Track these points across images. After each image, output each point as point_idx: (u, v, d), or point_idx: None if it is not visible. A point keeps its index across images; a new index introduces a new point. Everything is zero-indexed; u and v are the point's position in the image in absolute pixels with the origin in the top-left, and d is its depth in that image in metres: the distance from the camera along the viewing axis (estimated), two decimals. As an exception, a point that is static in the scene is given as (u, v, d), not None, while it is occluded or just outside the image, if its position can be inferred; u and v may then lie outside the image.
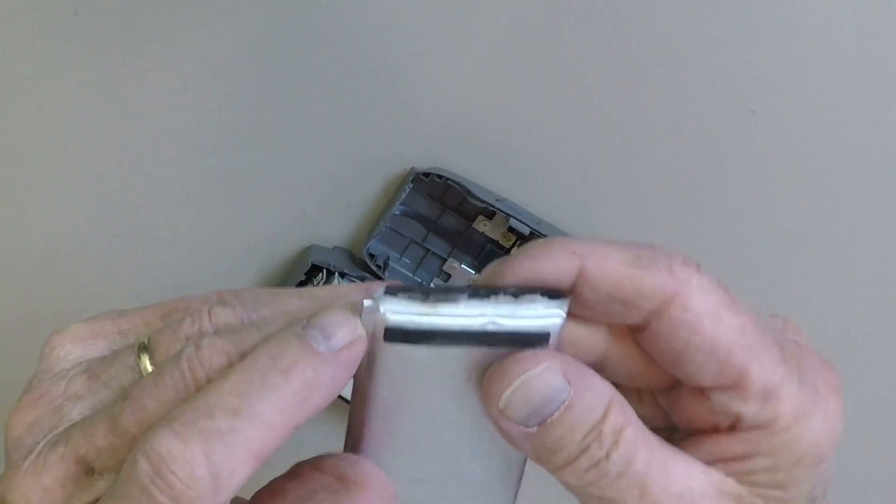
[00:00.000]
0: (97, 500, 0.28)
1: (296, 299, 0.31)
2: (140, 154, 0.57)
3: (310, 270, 0.56)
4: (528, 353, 0.28)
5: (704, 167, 0.59)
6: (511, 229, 0.57)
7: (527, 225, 0.56)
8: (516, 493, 0.33)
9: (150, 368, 0.29)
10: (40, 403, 0.30)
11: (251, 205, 0.58)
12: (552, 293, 0.28)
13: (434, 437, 0.31)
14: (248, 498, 0.30)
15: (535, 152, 0.58)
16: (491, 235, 0.58)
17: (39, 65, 0.54)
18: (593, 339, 0.30)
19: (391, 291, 0.28)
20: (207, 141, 0.57)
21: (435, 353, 0.28)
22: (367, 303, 0.28)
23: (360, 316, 0.28)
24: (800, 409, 0.29)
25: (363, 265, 0.58)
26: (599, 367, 0.31)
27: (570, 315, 0.29)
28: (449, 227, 0.59)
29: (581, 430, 0.28)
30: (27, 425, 0.29)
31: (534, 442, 0.29)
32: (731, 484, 0.30)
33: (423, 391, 0.30)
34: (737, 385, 0.29)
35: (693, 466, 0.30)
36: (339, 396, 0.29)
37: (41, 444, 0.29)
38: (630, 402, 0.32)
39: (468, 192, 0.56)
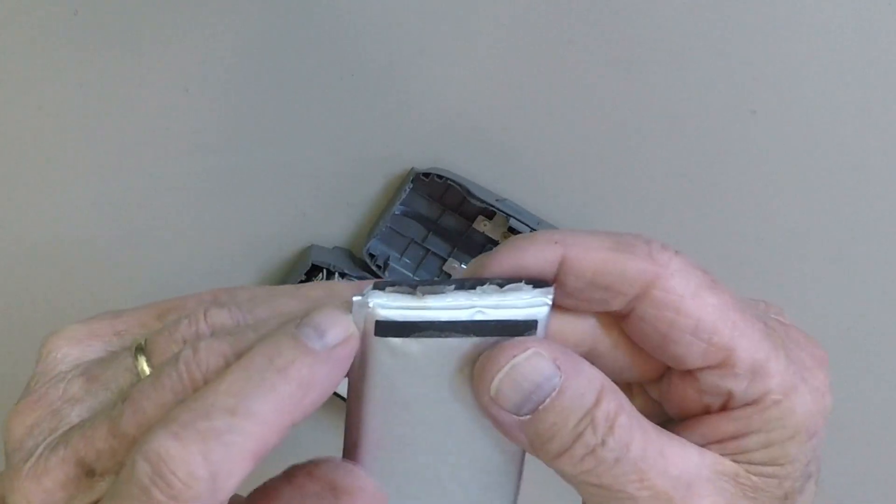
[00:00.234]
0: (97, 502, 0.28)
1: (290, 299, 0.32)
2: (140, 154, 0.57)
3: (310, 270, 0.57)
4: (517, 340, 0.29)
5: (704, 167, 0.59)
6: (511, 229, 0.57)
7: (527, 225, 0.56)
8: (517, 488, 0.33)
9: (147, 370, 0.30)
10: (39, 406, 0.30)
11: (251, 205, 0.58)
12: (537, 282, 0.29)
13: (431, 433, 0.31)
14: (246, 495, 0.31)
15: (535, 152, 0.58)
16: (491, 235, 0.58)
17: (39, 65, 0.54)
18: (580, 332, 0.31)
19: (379, 286, 0.28)
20: (207, 141, 0.57)
21: (426, 346, 0.29)
22: (356, 298, 0.28)
23: (351, 313, 0.28)
24: (789, 382, 0.30)
25: (363, 265, 0.58)
26: (588, 360, 0.31)
27: (556, 307, 0.30)
28: (449, 227, 0.59)
29: (574, 416, 0.29)
30: (27, 428, 0.30)
31: (528, 430, 0.29)
32: (727, 464, 0.30)
33: (417, 386, 0.30)
34: (725, 363, 0.29)
35: (688, 449, 0.30)
36: (335, 394, 0.29)
37: (41, 447, 0.29)
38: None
39: (468, 192, 0.56)
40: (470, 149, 0.58)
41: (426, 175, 0.56)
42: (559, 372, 0.29)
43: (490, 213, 0.58)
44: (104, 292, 0.59)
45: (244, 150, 0.57)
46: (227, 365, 0.28)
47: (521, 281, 0.29)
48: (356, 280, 0.57)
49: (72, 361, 0.31)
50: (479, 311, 0.29)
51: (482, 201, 0.56)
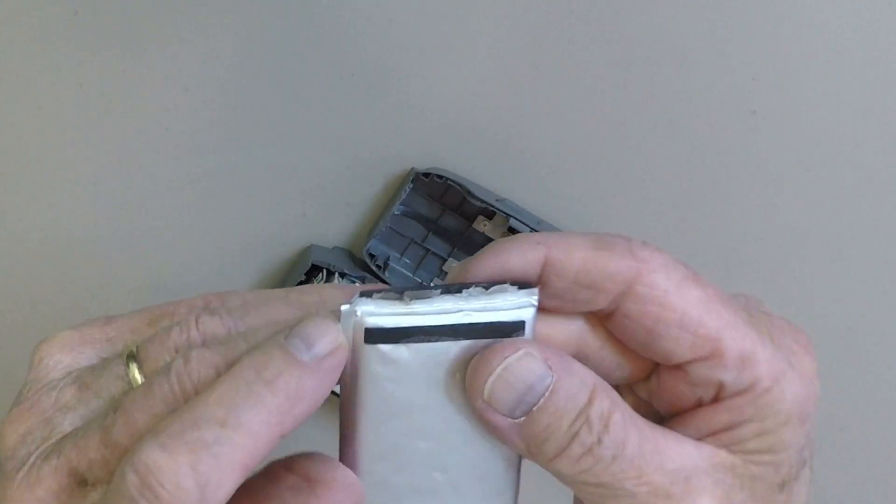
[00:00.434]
0: None
1: (282, 305, 0.31)
2: (140, 154, 0.57)
3: (310, 270, 0.56)
4: (508, 341, 0.29)
5: (704, 167, 0.59)
6: (511, 229, 0.57)
7: (527, 225, 0.56)
8: (516, 495, 0.33)
9: (139, 378, 0.30)
10: (32, 414, 0.30)
11: (251, 205, 0.58)
12: (521, 284, 0.29)
13: (427, 441, 0.31)
14: None
15: (535, 152, 0.58)
16: (491, 235, 0.58)
17: (39, 65, 0.54)
18: (567, 335, 0.31)
19: (367, 294, 0.28)
20: (207, 141, 0.57)
21: (416, 352, 0.29)
22: (343, 307, 0.28)
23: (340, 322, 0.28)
24: (777, 369, 0.30)
25: (363, 265, 0.58)
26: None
27: (542, 310, 0.30)
28: (449, 227, 0.59)
29: (568, 416, 0.29)
30: (20, 436, 0.30)
31: (523, 433, 0.29)
32: (723, 455, 0.30)
33: (410, 393, 0.30)
34: (713, 354, 0.29)
35: (684, 443, 0.30)
36: (332, 392, 0.29)
37: (34, 456, 0.29)
38: None
39: (468, 192, 0.56)
40: (470, 149, 0.58)
41: (426, 175, 0.56)
42: (551, 372, 0.29)
43: (490, 213, 0.58)
44: (104, 292, 0.59)
45: (244, 150, 0.57)
46: (219, 375, 0.28)
47: (506, 283, 0.29)
48: (353, 281, 0.57)
49: (64, 368, 0.31)
50: (467, 314, 0.29)
51: (482, 201, 0.56)
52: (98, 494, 0.28)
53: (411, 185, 0.57)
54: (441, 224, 0.59)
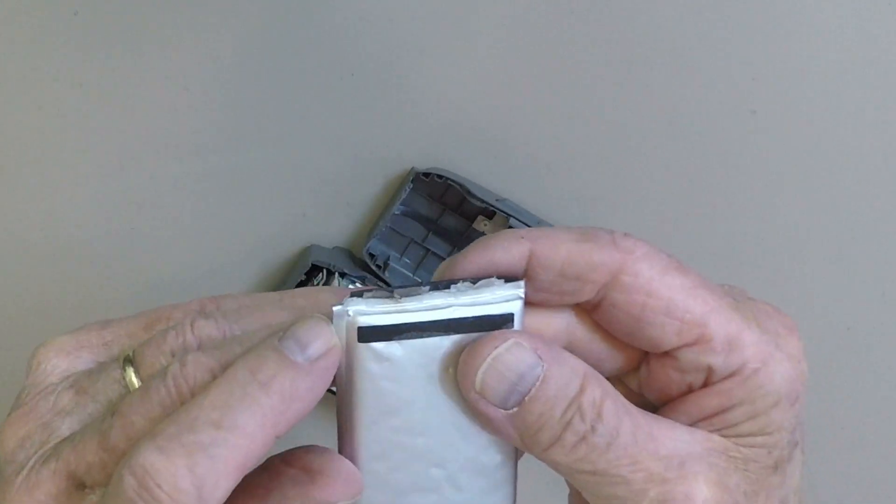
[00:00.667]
0: None
1: (276, 309, 0.32)
2: (140, 154, 0.57)
3: (310, 270, 0.57)
4: (497, 332, 0.29)
5: (704, 167, 0.59)
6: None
7: (527, 225, 0.56)
8: (514, 488, 0.33)
9: (135, 382, 0.30)
10: (30, 418, 0.30)
11: (251, 205, 0.58)
12: (508, 278, 0.30)
13: (423, 438, 0.31)
14: None
15: (535, 152, 0.58)
16: (491, 235, 0.58)
17: (39, 65, 0.54)
18: (555, 328, 0.31)
19: (357, 294, 0.29)
20: (207, 141, 0.57)
21: (409, 348, 0.29)
22: (335, 308, 0.29)
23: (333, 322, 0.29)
24: (764, 351, 0.30)
25: (363, 265, 0.58)
26: None
27: (529, 304, 0.30)
28: (449, 227, 0.59)
29: (560, 404, 0.29)
30: (18, 440, 0.30)
31: (516, 424, 0.29)
32: (716, 439, 0.30)
33: (405, 390, 0.30)
34: (700, 339, 0.30)
35: (677, 429, 0.30)
36: (329, 391, 0.29)
37: (33, 460, 0.29)
38: None
39: (468, 192, 0.56)
40: (470, 149, 0.58)
41: (426, 175, 0.56)
42: (541, 361, 0.29)
43: (490, 213, 0.58)
44: (104, 292, 0.59)
45: (244, 150, 0.57)
46: (214, 378, 0.28)
47: (492, 277, 0.30)
48: (353, 281, 0.57)
49: (61, 373, 0.31)
50: (456, 309, 0.29)
51: (482, 201, 0.56)
52: (96, 497, 0.29)
53: (411, 185, 0.57)
54: (441, 224, 0.59)
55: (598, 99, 0.57)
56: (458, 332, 0.29)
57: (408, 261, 0.60)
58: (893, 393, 0.65)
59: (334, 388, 0.30)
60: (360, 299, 0.29)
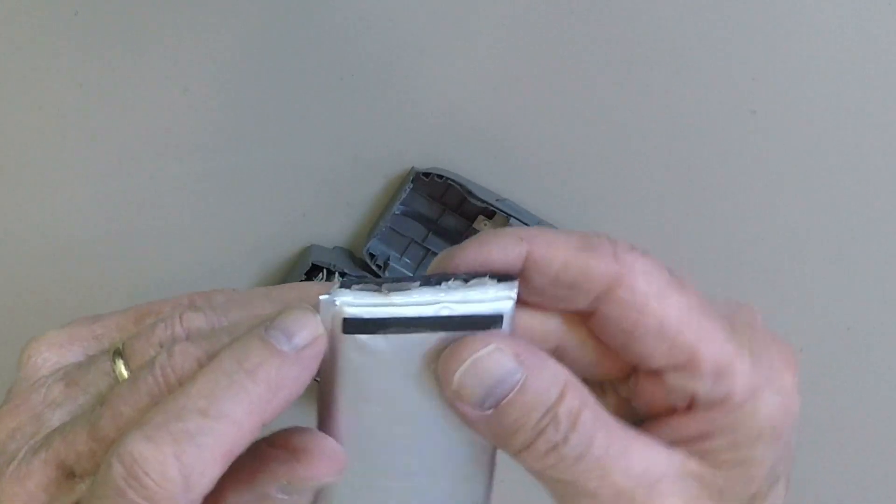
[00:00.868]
0: (78, 503, 0.29)
1: (265, 301, 0.32)
2: (140, 154, 0.57)
3: (310, 270, 0.57)
4: (479, 335, 0.29)
5: (704, 167, 0.59)
6: (511, 229, 0.57)
7: (527, 225, 0.56)
8: (490, 479, 0.33)
9: (125, 373, 0.31)
10: (21, 410, 0.31)
11: (251, 205, 0.58)
12: (502, 277, 0.29)
13: (401, 426, 0.31)
14: None
15: (535, 152, 0.58)
16: (491, 235, 0.58)
17: (39, 65, 0.54)
18: (547, 329, 0.31)
19: (345, 284, 0.29)
20: (207, 141, 0.57)
21: (393, 342, 0.29)
22: (322, 297, 0.29)
23: (319, 313, 0.29)
24: (753, 384, 0.30)
25: (363, 265, 0.58)
26: (556, 358, 0.31)
27: (522, 303, 0.30)
28: (449, 227, 0.59)
29: (536, 412, 0.29)
30: (10, 431, 0.30)
31: (491, 425, 0.29)
32: (693, 464, 0.30)
33: (386, 381, 0.30)
34: (688, 363, 0.29)
35: (655, 448, 0.30)
36: (314, 379, 0.30)
37: (24, 451, 0.30)
38: (593, 395, 0.32)
39: (468, 192, 0.56)
40: (470, 149, 0.58)
41: (426, 175, 0.56)
42: (521, 368, 0.29)
43: (490, 213, 0.58)
44: (103, 292, 0.59)
45: (244, 150, 0.57)
46: (201, 368, 0.28)
47: (485, 276, 0.29)
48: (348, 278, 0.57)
49: (52, 366, 0.32)
50: (445, 307, 0.29)
51: (482, 201, 0.56)
52: (86, 486, 0.29)
53: (411, 185, 0.57)
54: (441, 224, 0.59)
55: (598, 99, 0.57)
56: (445, 330, 0.29)
57: (408, 261, 0.60)
58: (893, 393, 0.65)
59: (318, 377, 0.31)
60: (347, 290, 0.29)
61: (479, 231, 0.59)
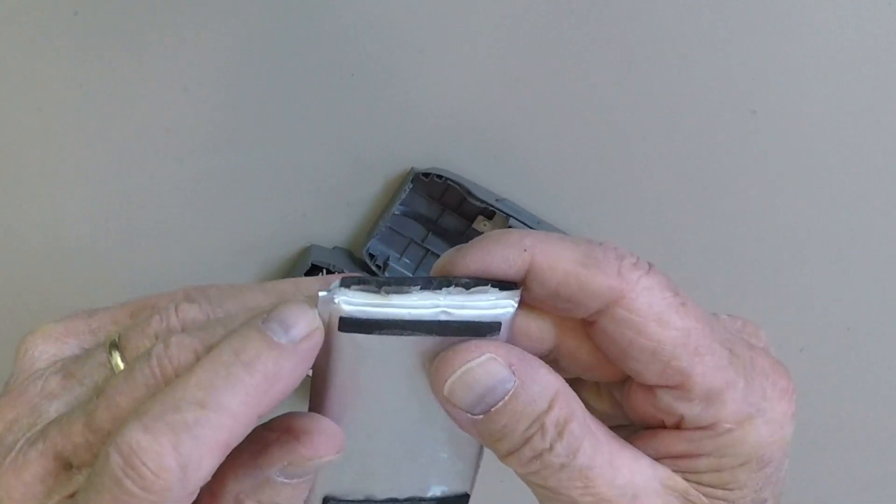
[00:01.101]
0: (75, 494, 0.29)
1: (260, 294, 0.32)
2: (140, 154, 0.57)
3: (310, 270, 0.57)
4: (472, 343, 0.29)
5: (704, 167, 0.59)
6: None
7: (526, 225, 0.56)
8: (476, 471, 0.34)
9: (121, 365, 0.31)
10: (18, 402, 0.31)
11: (251, 205, 0.58)
12: (504, 284, 0.29)
13: (391, 419, 0.32)
14: None
15: (535, 152, 0.58)
16: (491, 235, 0.58)
17: (39, 65, 0.54)
18: (545, 330, 0.31)
19: (346, 283, 0.29)
20: (207, 141, 0.57)
21: (388, 342, 0.29)
22: (322, 294, 0.29)
23: (317, 307, 0.29)
24: (743, 412, 0.30)
25: (363, 265, 0.58)
26: (553, 358, 0.32)
27: (522, 305, 0.30)
28: (449, 227, 0.59)
29: (525, 420, 0.29)
30: (7, 423, 0.31)
31: (479, 428, 0.30)
32: (677, 480, 0.31)
33: (378, 377, 0.31)
34: (681, 386, 0.30)
35: (641, 461, 0.30)
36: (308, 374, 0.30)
37: (21, 442, 0.30)
38: (589, 395, 0.33)
39: (468, 192, 0.56)
40: (470, 149, 0.58)
41: (426, 175, 0.56)
42: (513, 376, 0.29)
43: (490, 213, 0.58)
44: (103, 292, 0.59)
45: (244, 150, 0.57)
46: (198, 359, 0.29)
47: (487, 283, 0.29)
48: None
49: (49, 359, 0.32)
50: (444, 312, 0.29)
51: (482, 201, 0.56)
52: (83, 477, 0.29)
53: (411, 185, 0.57)
54: (441, 224, 0.59)
55: (598, 99, 0.57)
56: (441, 335, 0.29)
57: (407, 261, 0.60)
58: (893, 393, 0.65)
59: (311, 368, 0.31)
60: (347, 289, 0.29)
61: (478, 231, 0.59)
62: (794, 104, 0.57)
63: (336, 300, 0.29)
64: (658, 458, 0.31)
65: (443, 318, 0.29)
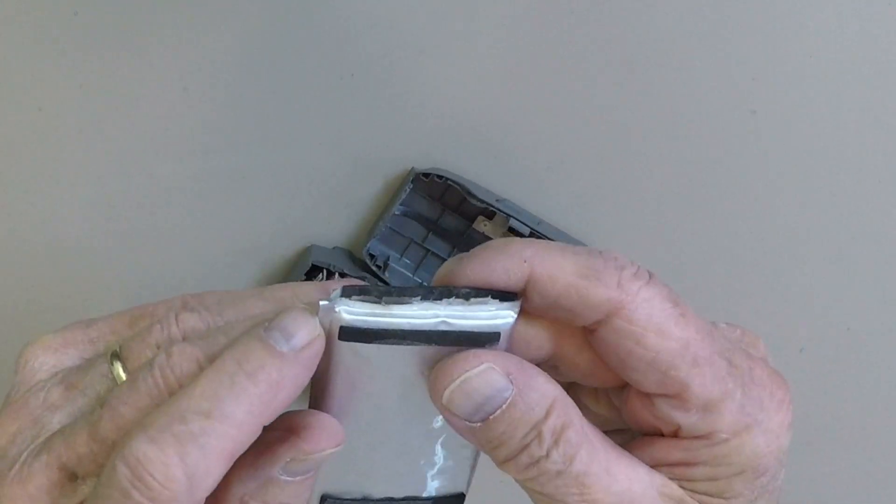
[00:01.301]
0: None
1: (259, 301, 0.33)
2: (139, 154, 0.57)
3: (310, 271, 0.57)
4: (471, 353, 0.30)
5: (704, 167, 0.59)
6: (511, 230, 0.57)
7: (527, 225, 0.56)
8: (472, 472, 0.34)
9: (123, 375, 0.31)
10: (21, 414, 0.31)
11: (251, 205, 0.58)
12: (504, 294, 0.30)
13: (388, 422, 0.32)
14: None
15: (535, 152, 0.58)
16: (491, 236, 0.58)
17: (39, 65, 0.54)
18: (544, 336, 0.31)
19: (347, 293, 0.29)
20: (207, 141, 0.57)
21: (388, 351, 0.30)
22: (322, 303, 0.29)
23: (318, 315, 0.29)
24: (740, 423, 0.30)
25: (363, 265, 0.58)
26: (552, 364, 0.32)
27: (522, 313, 0.30)
28: (449, 227, 0.59)
29: (522, 428, 0.29)
30: (10, 436, 0.31)
31: (477, 436, 0.30)
32: (673, 487, 0.31)
33: (377, 383, 0.31)
34: (678, 395, 0.30)
35: (637, 468, 0.31)
36: None
37: (25, 454, 0.30)
38: (588, 399, 0.33)
39: (468, 192, 0.56)
40: (470, 149, 0.58)
41: (426, 175, 0.56)
42: (511, 385, 0.29)
43: (490, 214, 0.58)
44: (102, 292, 0.59)
45: (244, 150, 0.57)
46: (200, 368, 0.29)
47: (487, 295, 0.29)
48: (356, 280, 0.57)
49: (49, 370, 0.32)
50: (443, 322, 0.29)
51: (482, 201, 0.56)
52: (88, 488, 0.29)
53: (411, 185, 0.57)
54: (441, 224, 0.59)
55: (598, 99, 0.57)
56: (441, 344, 0.30)
57: (408, 261, 0.60)
58: (893, 393, 0.65)
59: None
60: (348, 299, 0.29)
61: (479, 231, 0.59)
62: (794, 104, 0.57)
63: (337, 309, 0.29)
64: (654, 466, 0.31)
65: (442, 328, 0.29)
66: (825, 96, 0.57)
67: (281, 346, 0.28)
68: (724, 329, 0.33)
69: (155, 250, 0.59)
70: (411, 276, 0.60)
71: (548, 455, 0.29)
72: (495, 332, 0.30)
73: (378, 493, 0.34)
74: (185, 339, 0.31)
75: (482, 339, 0.30)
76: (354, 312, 0.29)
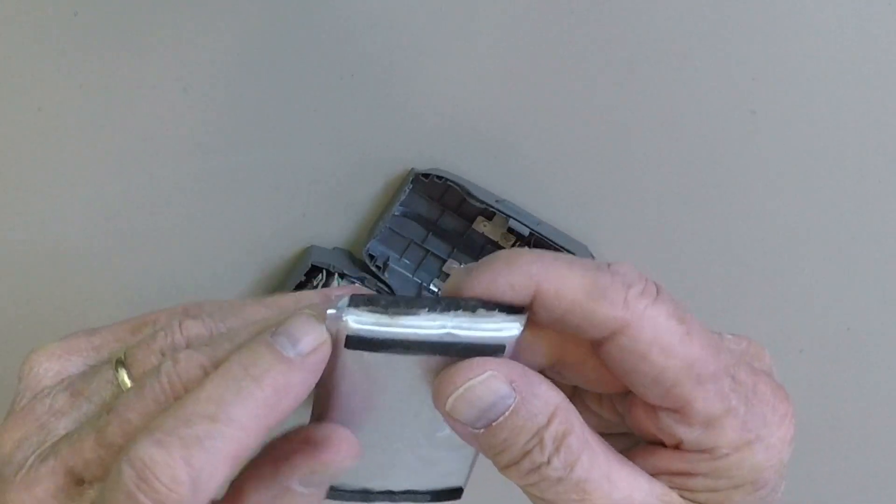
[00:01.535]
0: None
1: (260, 307, 0.33)
2: (140, 154, 0.57)
3: (310, 271, 0.57)
4: (475, 361, 0.30)
5: (704, 167, 0.59)
6: (511, 230, 0.57)
7: (526, 226, 0.56)
8: (470, 471, 0.35)
9: (128, 382, 0.31)
10: (27, 421, 0.31)
11: (251, 205, 0.58)
12: (511, 308, 0.30)
13: (391, 424, 0.33)
14: None
15: (535, 152, 0.58)
16: (491, 236, 0.58)
17: (39, 65, 0.54)
18: (550, 344, 0.32)
19: (354, 302, 0.29)
20: (207, 141, 0.57)
21: (393, 360, 0.30)
22: (330, 311, 0.29)
23: (325, 323, 0.29)
24: (741, 439, 0.30)
25: (363, 266, 0.58)
26: (556, 370, 0.32)
27: (527, 323, 0.30)
28: (449, 227, 0.59)
29: (524, 434, 0.30)
30: (16, 442, 0.31)
31: (480, 442, 0.30)
32: (674, 497, 0.31)
33: (382, 389, 0.31)
34: (681, 410, 0.30)
35: (638, 476, 0.31)
36: None
37: (31, 459, 0.30)
38: (592, 402, 0.33)
39: (468, 192, 0.56)
40: (470, 149, 0.58)
41: (426, 175, 0.56)
42: (514, 392, 0.30)
43: (490, 214, 0.58)
44: (102, 293, 0.59)
45: (244, 150, 0.57)
46: (206, 374, 0.29)
47: (494, 308, 0.30)
48: (352, 282, 0.57)
49: (54, 376, 0.32)
50: (449, 333, 0.29)
51: (482, 202, 0.56)
52: (94, 492, 0.29)
53: (411, 186, 0.57)
54: (441, 225, 0.59)
55: (598, 99, 0.57)
56: (446, 355, 0.30)
57: (407, 262, 0.60)
58: (893, 393, 0.65)
59: None
60: (355, 308, 0.29)
61: (478, 232, 0.59)
62: (794, 104, 0.57)
63: (344, 318, 0.29)
64: (655, 474, 0.31)
65: (448, 339, 0.29)
66: (825, 96, 0.57)
67: (287, 352, 0.29)
68: (730, 341, 0.33)
69: (155, 250, 0.59)
70: (411, 276, 0.60)
71: (549, 461, 0.30)
72: (500, 345, 0.30)
73: (377, 486, 0.35)
74: (188, 345, 0.31)
75: (487, 351, 0.30)
76: (362, 321, 0.29)
